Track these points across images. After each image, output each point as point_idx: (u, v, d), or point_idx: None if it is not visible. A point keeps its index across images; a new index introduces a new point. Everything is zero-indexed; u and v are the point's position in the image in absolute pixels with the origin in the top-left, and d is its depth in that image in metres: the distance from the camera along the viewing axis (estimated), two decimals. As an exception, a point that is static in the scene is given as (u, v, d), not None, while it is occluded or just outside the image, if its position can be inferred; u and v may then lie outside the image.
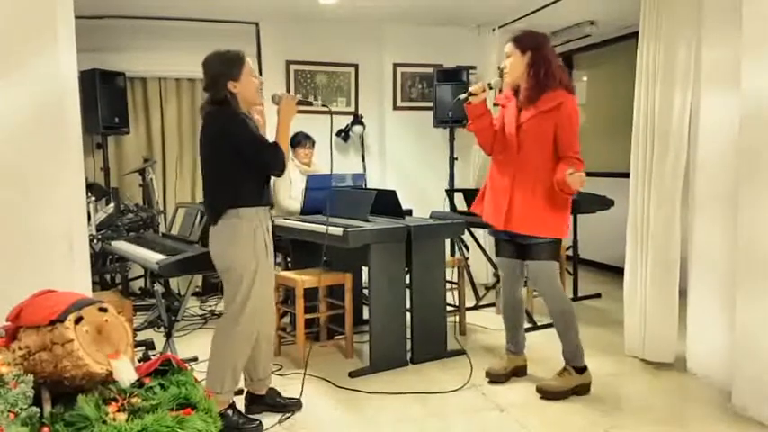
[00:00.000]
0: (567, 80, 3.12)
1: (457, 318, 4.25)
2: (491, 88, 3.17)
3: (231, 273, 2.73)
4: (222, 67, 2.69)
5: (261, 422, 2.84)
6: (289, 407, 3.02)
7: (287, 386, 3.22)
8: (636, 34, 3.72)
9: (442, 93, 5.65)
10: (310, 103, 3.04)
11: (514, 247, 3.23)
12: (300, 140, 4.94)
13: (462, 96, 3.16)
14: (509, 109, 3.19)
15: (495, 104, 3.32)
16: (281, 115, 2.80)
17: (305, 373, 3.20)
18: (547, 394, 3.15)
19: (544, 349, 3.66)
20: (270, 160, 2.71)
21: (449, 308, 3.96)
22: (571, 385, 3.17)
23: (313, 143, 4.97)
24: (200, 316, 4.83)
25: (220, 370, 2.76)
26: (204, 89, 2.78)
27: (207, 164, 2.78)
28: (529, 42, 3.08)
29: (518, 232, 3.11)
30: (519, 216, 3.07)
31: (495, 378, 3.34)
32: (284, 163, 2.73)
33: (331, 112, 3.16)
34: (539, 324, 4.26)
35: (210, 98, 2.73)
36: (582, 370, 3.21)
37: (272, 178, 4.90)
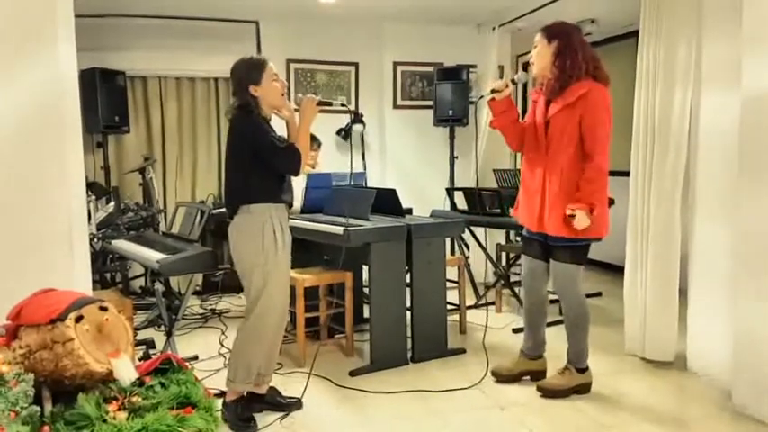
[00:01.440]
0: (595, 69, 2.95)
1: (485, 317, 4.23)
2: (515, 83, 3.14)
3: (241, 266, 2.84)
4: (244, 73, 2.80)
5: (256, 423, 2.85)
6: (289, 406, 3.02)
7: (287, 385, 3.22)
8: (636, 33, 3.72)
9: (442, 91, 5.65)
10: (330, 104, 3.07)
11: (543, 248, 3.14)
12: None
13: (485, 93, 3.12)
14: (539, 104, 3.09)
15: (533, 101, 3.19)
16: (302, 116, 2.88)
17: (310, 373, 3.19)
18: (547, 392, 3.14)
19: (552, 348, 3.64)
20: (284, 164, 2.81)
21: (449, 307, 3.96)
22: (572, 384, 3.17)
23: (319, 145, 4.94)
24: (201, 315, 4.83)
25: (234, 361, 2.87)
26: (232, 94, 2.90)
27: (227, 164, 2.91)
28: (556, 31, 2.99)
29: (551, 234, 3.02)
30: (551, 217, 2.99)
31: (500, 378, 3.32)
32: (299, 164, 2.80)
33: (351, 111, 3.17)
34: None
35: (235, 102, 2.83)
36: (584, 370, 3.21)
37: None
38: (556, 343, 3.43)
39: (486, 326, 4.28)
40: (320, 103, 2.92)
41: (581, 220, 2.87)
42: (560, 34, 2.97)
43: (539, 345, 3.35)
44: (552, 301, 3.37)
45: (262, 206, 2.78)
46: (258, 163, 2.77)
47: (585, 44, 3.02)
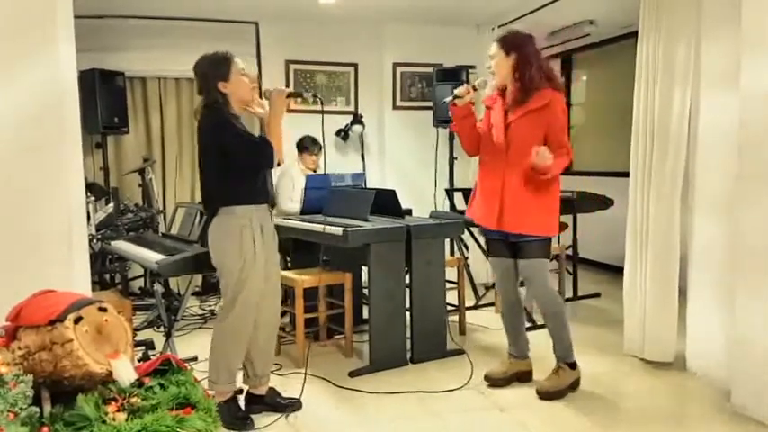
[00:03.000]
0: (553, 78, 3.12)
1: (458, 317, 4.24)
2: (476, 89, 3.19)
3: (220, 268, 2.82)
4: (210, 69, 2.74)
5: (252, 422, 2.85)
6: (288, 407, 3.02)
7: (286, 386, 3.22)
8: (635, 34, 3.73)
9: (441, 92, 5.63)
10: (300, 95, 3.03)
11: (506, 246, 3.21)
12: (308, 146, 4.91)
13: (448, 99, 3.18)
14: (495, 110, 3.18)
15: (486, 107, 3.28)
16: (272, 109, 2.82)
17: (306, 373, 3.19)
18: (546, 395, 3.14)
19: (545, 348, 3.65)
20: (256, 157, 2.73)
21: (449, 307, 3.96)
22: (568, 382, 3.18)
23: (320, 148, 4.91)
24: (200, 316, 4.83)
25: (215, 362, 2.85)
26: (198, 93, 2.83)
27: (201, 164, 2.85)
28: (512, 43, 3.07)
29: (511, 231, 3.09)
30: (511, 215, 3.06)
31: (494, 382, 3.31)
32: (272, 157, 2.73)
33: (322, 104, 3.14)
34: (539, 324, 4.25)
35: (203, 101, 2.78)
36: (574, 365, 3.23)
37: (275, 178, 4.91)
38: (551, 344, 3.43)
39: (465, 321, 4.28)
40: (290, 95, 2.85)
41: (543, 153, 2.91)
42: (517, 47, 3.06)
43: (523, 345, 3.38)
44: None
45: (243, 208, 2.74)
46: (231, 161, 2.71)
47: (540, 54, 3.13)
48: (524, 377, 3.35)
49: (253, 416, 2.91)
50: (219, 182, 2.76)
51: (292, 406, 3.03)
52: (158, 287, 3.79)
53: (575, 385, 3.21)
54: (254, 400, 2.99)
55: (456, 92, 3.15)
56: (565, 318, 3.20)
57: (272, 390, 3.06)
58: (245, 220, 2.74)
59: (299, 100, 3.04)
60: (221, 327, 2.84)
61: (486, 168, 3.22)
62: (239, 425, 2.81)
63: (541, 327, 4.20)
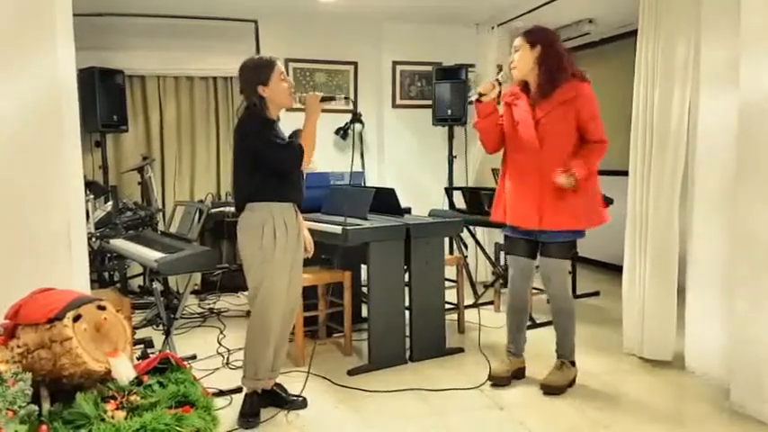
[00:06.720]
0: (578, 71, 3.09)
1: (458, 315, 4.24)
2: (500, 83, 3.17)
3: (244, 263, 2.89)
4: (252, 73, 2.83)
5: (255, 422, 2.86)
6: (292, 404, 3.04)
7: (286, 383, 3.22)
8: (635, 33, 3.73)
9: (441, 91, 5.65)
10: (333, 98, 3.09)
11: (531, 245, 3.18)
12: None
13: (473, 97, 3.16)
14: (519, 106, 3.14)
15: (503, 103, 3.25)
16: (306, 114, 2.90)
17: (308, 372, 3.20)
18: (552, 390, 3.15)
19: (542, 347, 3.65)
20: (281, 160, 2.81)
21: (448, 306, 3.96)
22: (570, 378, 3.21)
23: None
24: (199, 314, 4.83)
25: (245, 355, 2.93)
26: (240, 92, 2.94)
27: (233, 163, 2.97)
28: (539, 36, 3.05)
29: (554, 229, 3.05)
30: (553, 213, 3.03)
31: (499, 381, 3.31)
32: (298, 160, 2.80)
33: (354, 106, 3.16)
34: (538, 322, 4.26)
35: (243, 102, 2.89)
36: (573, 363, 3.26)
37: None
38: (548, 343, 3.43)
39: (464, 320, 4.28)
40: (324, 99, 2.93)
41: (562, 181, 2.95)
42: (543, 40, 3.05)
43: (522, 344, 3.40)
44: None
45: (263, 204, 2.82)
46: (260, 161, 2.80)
47: (565, 48, 3.13)
48: (519, 374, 3.38)
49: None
50: (247, 180, 2.85)
51: (296, 403, 3.05)
52: (157, 285, 3.79)
53: (573, 382, 3.24)
54: (261, 394, 3.01)
55: (480, 89, 3.13)
56: (574, 318, 3.23)
57: (278, 385, 3.08)
58: (267, 216, 2.81)
59: (333, 102, 3.10)
60: (249, 321, 2.91)
61: (517, 167, 3.17)
62: (242, 420, 2.85)
63: (540, 325, 4.22)
